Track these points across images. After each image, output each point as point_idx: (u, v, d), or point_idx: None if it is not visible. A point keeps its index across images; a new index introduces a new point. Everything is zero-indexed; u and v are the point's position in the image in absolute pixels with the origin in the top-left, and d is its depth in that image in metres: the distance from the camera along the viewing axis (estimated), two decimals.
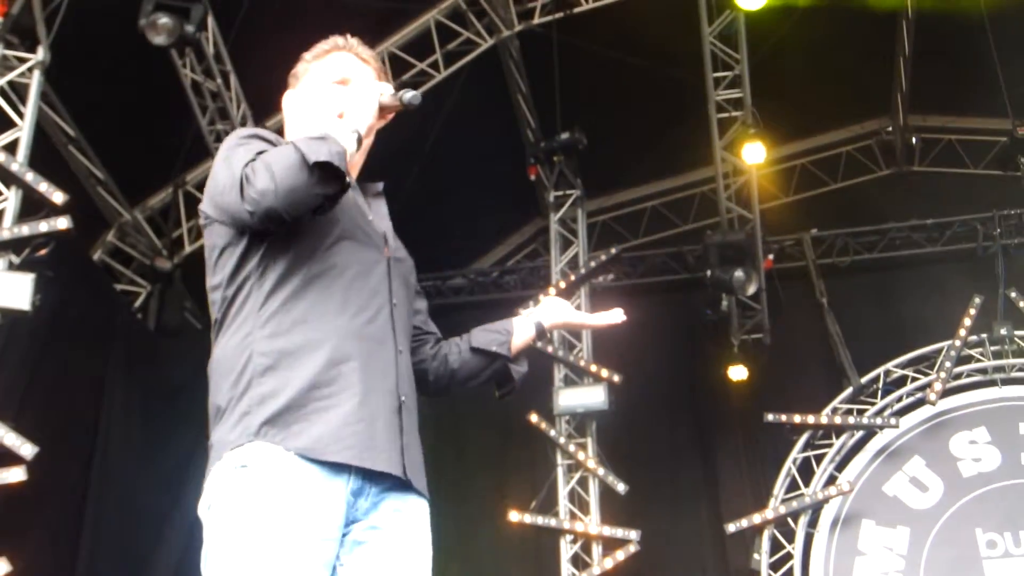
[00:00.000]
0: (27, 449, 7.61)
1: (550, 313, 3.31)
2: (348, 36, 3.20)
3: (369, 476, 2.71)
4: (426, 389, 3.14)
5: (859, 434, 12.18)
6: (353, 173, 3.03)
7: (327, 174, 2.67)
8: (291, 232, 2.80)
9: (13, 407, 8.58)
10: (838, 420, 12.09)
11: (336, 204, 2.77)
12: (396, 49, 11.39)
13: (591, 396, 11.45)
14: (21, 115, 8.43)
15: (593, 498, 11.37)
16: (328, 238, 2.86)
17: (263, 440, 2.65)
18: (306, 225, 2.81)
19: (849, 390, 12.34)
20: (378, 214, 3.09)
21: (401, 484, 2.78)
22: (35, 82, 8.54)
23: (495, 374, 3.27)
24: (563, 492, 11.46)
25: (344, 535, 2.70)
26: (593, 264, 12.15)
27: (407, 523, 2.80)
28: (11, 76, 8.49)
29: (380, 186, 3.19)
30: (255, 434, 2.66)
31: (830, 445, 12.16)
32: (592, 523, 11.26)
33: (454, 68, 11.52)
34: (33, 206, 8.16)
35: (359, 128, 2.84)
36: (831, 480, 12.01)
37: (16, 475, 7.56)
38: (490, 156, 12.36)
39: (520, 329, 3.25)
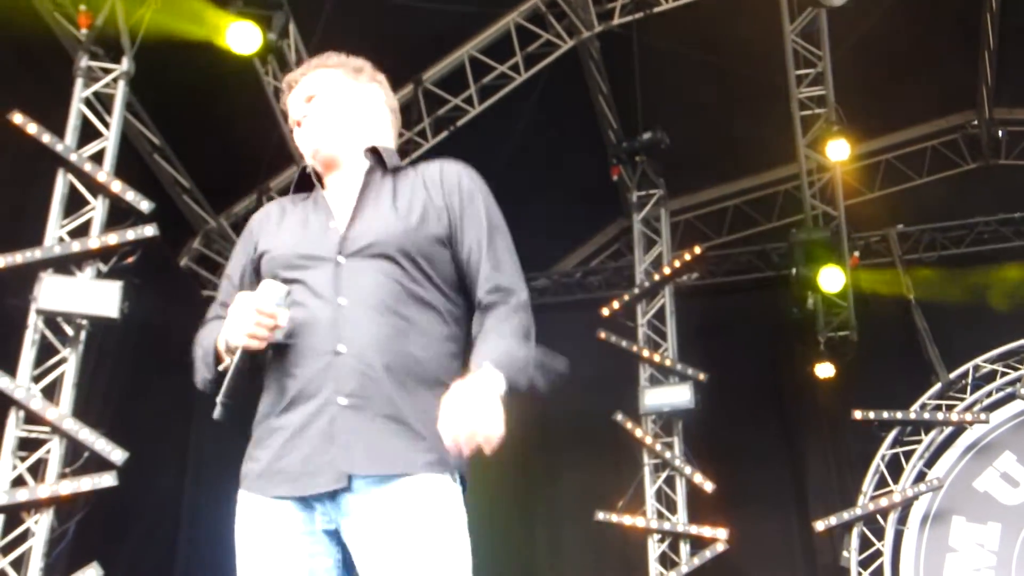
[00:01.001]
0: (117, 455, 7.54)
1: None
2: (289, 75, 3.26)
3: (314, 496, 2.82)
4: None
5: (948, 430, 12.01)
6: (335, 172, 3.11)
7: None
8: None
9: (105, 414, 8.61)
10: (927, 416, 11.92)
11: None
12: (476, 52, 11.35)
13: (677, 395, 11.31)
14: (107, 125, 8.39)
15: (680, 497, 11.23)
16: None
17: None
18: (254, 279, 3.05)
19: (938, 386, 12.18)
20: (361, 222, 3.02)
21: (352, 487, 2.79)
22: (120, 92, 8.51)
23: None
24: (650, 491, 11.33)
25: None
26: (677, 263, 11.97)
27: (368, 523, 2.77)
28: (96, 87, 8.47)
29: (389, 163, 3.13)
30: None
31: (919, 441, 11.98)
32: (680, 522, 11.12)
33: (535, 70, 11.45)
34: (120, 215, 8.14)
35: (223, 335, 2.87)
36: (920, 477, 11.86)
37: (107, 480, 7.47)
38: (572, 157, 12.33)
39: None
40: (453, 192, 3.04)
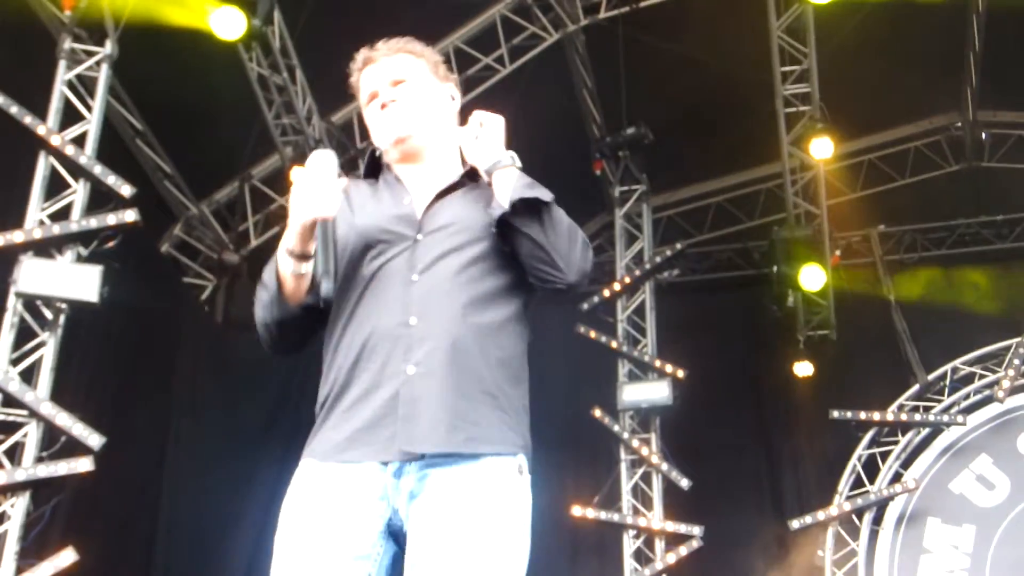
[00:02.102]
0: (95, 439, 7.65)
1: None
2: (376, 45, 3.25)
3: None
4: None
5: (925, 431, 12.17)
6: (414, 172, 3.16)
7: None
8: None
9: (83, 398, 8.69)
10: (904, 417, 12.08)
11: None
12: (461, 44, 11.38)
13: (655, 391, 11.46)
14: (89, 108, 8.48)
15: (656, 493, 11.37)
16: (348, 262, 3.03)
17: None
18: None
19: (916, 387, 12.32)
20: (442, 204, 3.10)
21: (425, 456, 2.83)
22: (103, 76, 8.59)
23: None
24: (626, 487, 11.47)
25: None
26: (658, 259, 12.15)
27: (426, 504, 2.81)
28: (79, 70, 8.54)
29: (452, 181, 3.16)
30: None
31: (896, 442, 12.14)
32: (655, 518, 11.26)
33: (519, 63, 11.51)
34: (101, 199, 8.21)
35: (287, 245, 2.92)
36: (896, 478, 12.01)
37: (84, 465, 7.57)
38: (554, 151, 12.24)
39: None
40: None
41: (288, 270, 2.92)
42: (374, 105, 3.18)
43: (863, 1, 10.85)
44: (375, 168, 3.22)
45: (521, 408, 2.95)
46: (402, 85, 3.16)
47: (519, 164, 3.00)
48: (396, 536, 2.84)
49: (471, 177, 3.14)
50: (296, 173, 2.94)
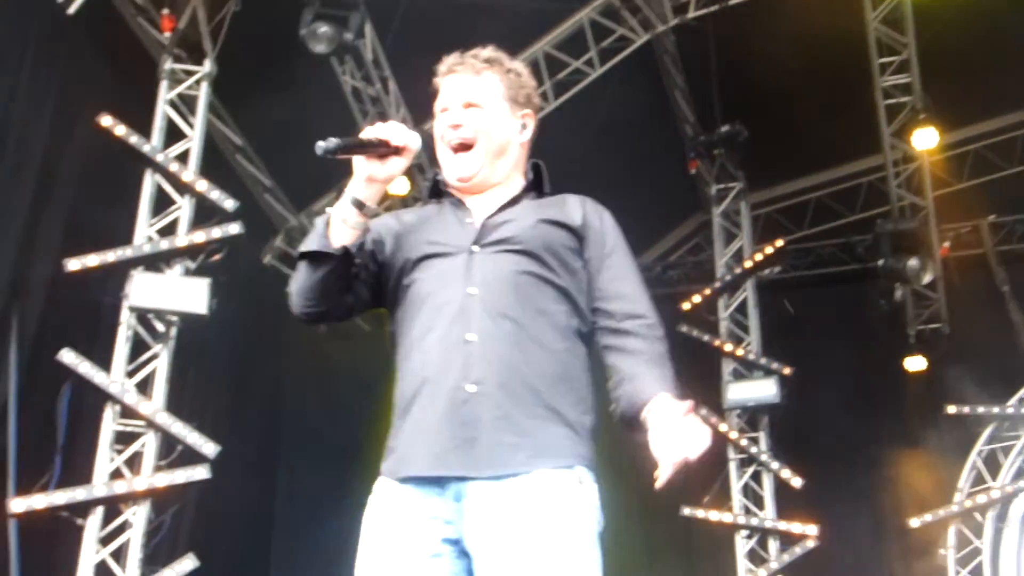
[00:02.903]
0: (210, 448, 8.00)
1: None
2: (466, 54, 3.38)
3: (439, 481, 2.92)
4: None
5: None
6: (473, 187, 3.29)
7: (316, 257, 3.06)
8: (385, 290, 3.21)
9: (197, 408, 9.17)
10: None
11: (349, 267, 3.08)
12: (550, 48, 11.63)
13: (762, 389, 11.58)
14: (191, 126, 8.91)
15: (768, 493, 11.50)
16: (408, 277, 3.18)
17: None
18: (390, 277, 3.20)
19: None
20: (501, 217, 3.22)
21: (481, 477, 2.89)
22: (203, 94, 9.04)
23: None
24: (736, 487, 11.60)
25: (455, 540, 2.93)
26: (758, 257, 12.27)
27: (485, 519, 2.88)
28: (180, 89, 9.00)
29: (514, 193, 3.31)
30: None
31: (1017, 437, 11.98)
32: (767, 518, 11.37)
33: (609, 65, 11.72)
34: (205, 213, 8.61)
35: (353, 193, 3.07)
36: (1020, 473, 11.83)
37: (201, 473, 7.90)
38: (648, 152, 12.51)
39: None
40: (592, 214, 3.23)
41: (350, 223, 3.04)
42: (441, 121, 3.28)
43: None
44: (438, 191, 3.35)
45: (583, 425, 3.00)
46: (472, 110, 3.24)
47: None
48: (464, 554, 2.89)
49: (531, 191, 3.30)
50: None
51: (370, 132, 3.12)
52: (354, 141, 3.09)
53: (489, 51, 3.37)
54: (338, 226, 3.05)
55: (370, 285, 3.19)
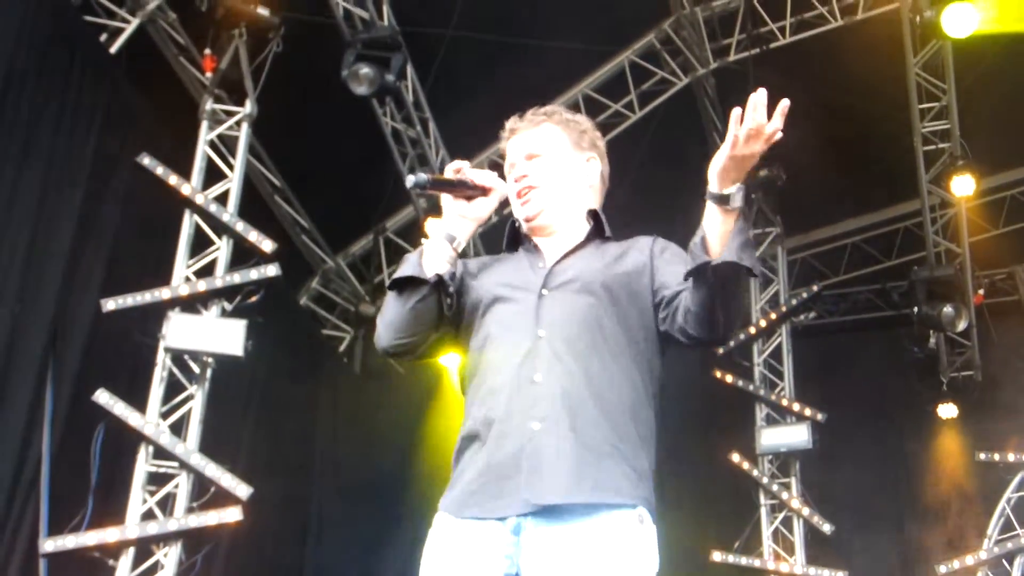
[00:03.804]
0: (243, 490, 7.87)
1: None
2: (524, 115, 3.43)
3: (501, 517, 2.89)
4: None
5: None
6: (544, 234, 3.33)
7: (408, 285, 3.09)
8: (458, 327, 3.21)
9: (231, 449, 9.06)
10: None
11: (441, 297, 3.09)
12: (590, 91, 11.67)
13: (794, 435, 11.50)
14: (231, 167, 8.83)
15: (798, 538, 11.43)
16: (480, 319, 3.19)
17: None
18: (464, 318, 3.20)
19: None
20: (577, 257, 3.24)
21: (545, 511, 2.86)
22: (243, 134, 8.94)
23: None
24: (767, 532, 11.55)
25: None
26: (794, 302, 12.24)
27: (543, 554, 2.85)
28: (221, 129, 8.91)
29: (580, 239, 3.31)
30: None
31: None
32: (797, 564, 11.30)
33: (649, 108, 11.75)
34: (243, 254, 8.52)
35: (445, 228, 3.16)
36: None
37: (233, 515, 7.78)
38: (687, 195, 12.31)
39: (708, 220, 2.94)
40: (656, 248, 3.21)
41: (442, 256, 3.10)
42: (511, 176, 3.35)
43: (1002, 33, 10.80)
44: (516, 238, 3.40)
45: (643, 466, 2.98)
46: (536, 160, 3.33)
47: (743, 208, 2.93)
48: None
49: (597, 235, 3.31)
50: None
51: (461, 172, 3.20)
52: (442, 179, 3.21)
53: (547, 108, 3.47)
54: (431, 257, 3.12)
55: (456, 324, 3.20)
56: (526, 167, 3.33)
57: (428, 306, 3.08)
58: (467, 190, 3.18)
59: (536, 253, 3.29)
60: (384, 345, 3.16)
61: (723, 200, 2.87)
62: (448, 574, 2.90)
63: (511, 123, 3.41)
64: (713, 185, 2.87)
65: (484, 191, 3.19)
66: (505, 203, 3.37)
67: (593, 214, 3.34)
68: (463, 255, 3.25)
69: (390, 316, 3.12)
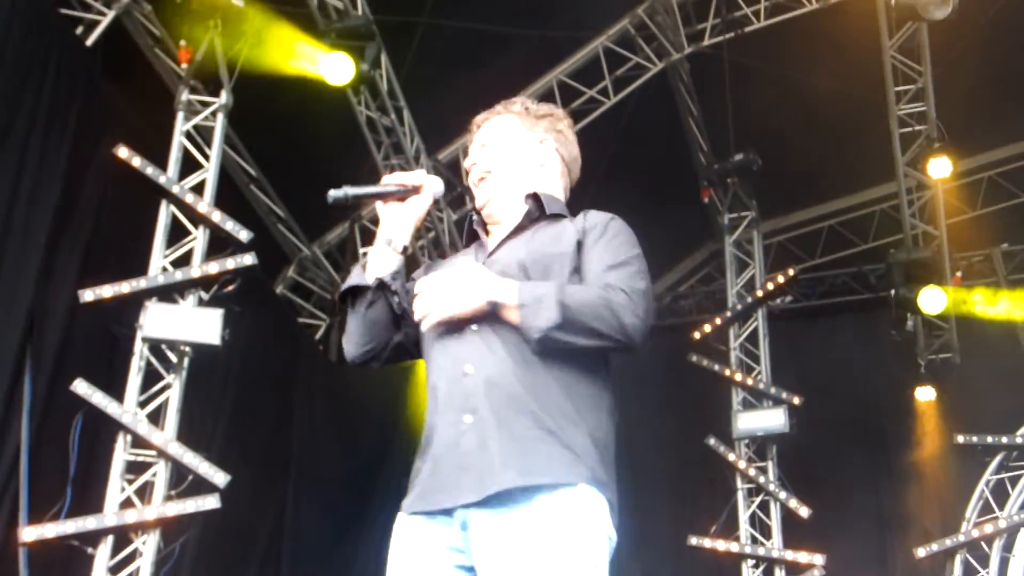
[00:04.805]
0: (220, 478, 8.05)
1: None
2: (480, 114, 3.54)
3: (448, 512, 2.97)
4: None
5: None
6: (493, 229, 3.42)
7: (355, 295, 3.26)
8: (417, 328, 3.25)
9: (208, 438, 9.26)
10: None
11: (388, 298, 3.23)
12: (565, 77, 11.82)
13: (771, 419, 11.63)
14: (207, 157, 8.97)
15: (775, 522, 11.54)
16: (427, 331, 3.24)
17: None
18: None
19: None
20: (507, 246, 3.30)
21: (486, 503, 2.90)
22: (219, 125, 9.09)
23: None
24: (744, 516, 11.66)
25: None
26: (770, 286, 12.32)
27: (488, 547, 2.91)
28: (196, 120, 9.06)
29: (517, 222, 3.36)
30: None
31: None
32: (775, 547, 11.43)
33: (624, 94, 11.90)
34: (220, 244, 8.66)
35: (382, 233, 3.29)
36: None
37: (211, 503, 7.95)
38: (660, 181, 12.62)
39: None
40: (594, 225, 3.20)
41: (383, 260, 3.23)
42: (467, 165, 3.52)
43: (978, 18, 10.83)
44: (474, 235, 3.47)
45: (582, 443, 2.95)
46: (487, 147, 3.43)
47: (506, 294, 2.98)
48: None
49: (537, 217, 3.32)
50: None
51: (387, 179, 3.32)
52: (365, 191, 3.29)
53: (514, 99, 3.56)
54: (373, 263, 3.25)
55: (415, 325, 3.24)
56: (478, 155, 3.44)
57: (378, 311, 3.23)
58: (396, 195, 3.27)
59: (482, 247, 3.38)
60: (351, 358, 3.30)
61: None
62: (402, 571, 3.00)
63: (475, 120, 3.53)
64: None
65: (415, 190, 3.29)
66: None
67: (533, 196, 3.34)
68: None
69: (349, 328, 3.27)
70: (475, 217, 3.48)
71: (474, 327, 3.06)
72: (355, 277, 3.27)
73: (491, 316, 3.03)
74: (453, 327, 3.07)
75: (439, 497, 2.96)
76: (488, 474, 2.88)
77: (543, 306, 2.92)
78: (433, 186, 3.33)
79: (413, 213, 3.31)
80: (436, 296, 3.01)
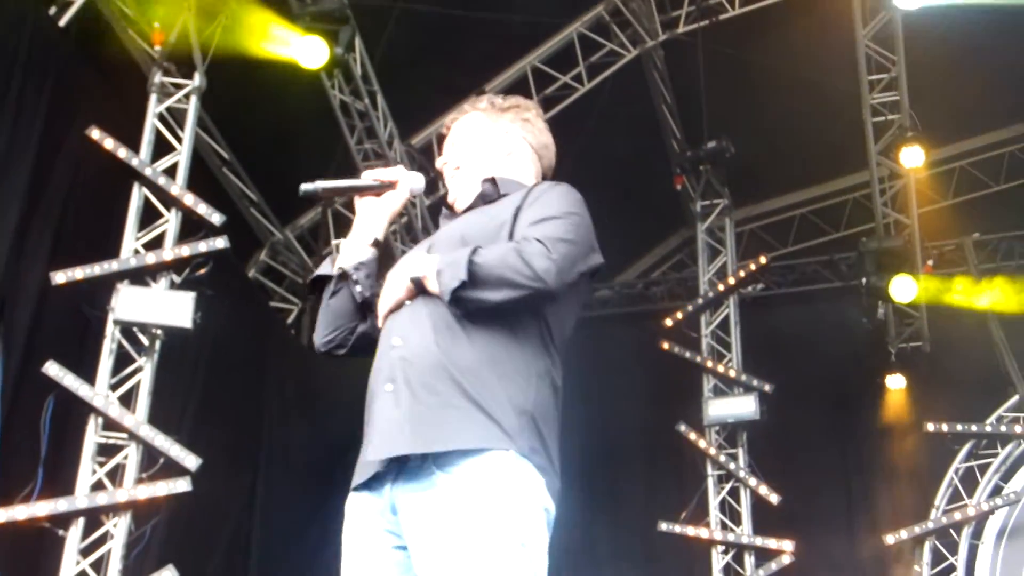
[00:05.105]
0: (191, 461, 8.12)
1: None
2: (450, 115, 3.62)
3: (379, 491, 3.02)
4: None
5: None
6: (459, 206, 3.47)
7: (321, 284, 3.38)
8: None
9: (177, 421, 9.31)
10: (1004, 429, 12.07)
11: (351, 287, 3.29)
12: (539, 63, 11.89)
13: (742, 406, 11.73)
14: (179, 139, 9.04)
15: (745, 509, 11.63)
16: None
17: None
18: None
19: (1015, 398, 12.33)
20: (453, 223, 3.37)
21: (412, 469, 2.94)
22: (192, 107, 9.16)
23: None
24: (714, 503, 11.75)
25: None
26: (742, 274, 12.41)
27: (411, 527, 2.95)
28: (169, 102, 9.12)
29: (470, 201, 3.42)
30: None
31: (995, 455, 12.22)
32: (744, 534, 11.53)
33: (598, 80, 11.97)
34: (192, 227, 8.73)
35: (356, 224, 3.36)
36: (997, 491, 12.07)
37: (182, 485, 8.03)
38: (634, 167, 12.71)
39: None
40: (533, 191, 3.25)
41: (357, 251, 3.30)
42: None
43: (951, 6, 10.89)
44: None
45: (510, 406, 2.93)
46: (453, 147, 3.51)
47: (425, 268, 3.06)
48: None
49: (490, 198, 3.35)
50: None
51: (367, 174, 3.38)
52: (338, 185, 3.35)
53: (484, 96, 3.62)
54: (344, 253, 3.33)
55: None
56: (448, 153, 3.52)
57: (341, 300, 3.31)
58: (370, 190, 3.34)
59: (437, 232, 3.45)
60: (316, 347, 3.39)
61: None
62: (349, 553, 3.08)
63: (447, 120, 3.61)
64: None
65: (391, 185, 3.34)
66: None
67: (491, 180, 3.37)
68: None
69: (318, 317, 3.37)
70: (445, 209, 3.54)
71: (407, 303, 3.11)
72: (322, 268, 3.38)
73: (422, 293, 3.08)
74: (393, 309, 3.14)
75: (364, 468, 3.02)
76: (390, 440, 2.91)
77: (454, 269, 2.95)
78: (411, 182, 3.38)
79: (388, 208, 3.37)
80: (383, 294, 3.13)
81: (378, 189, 3.33)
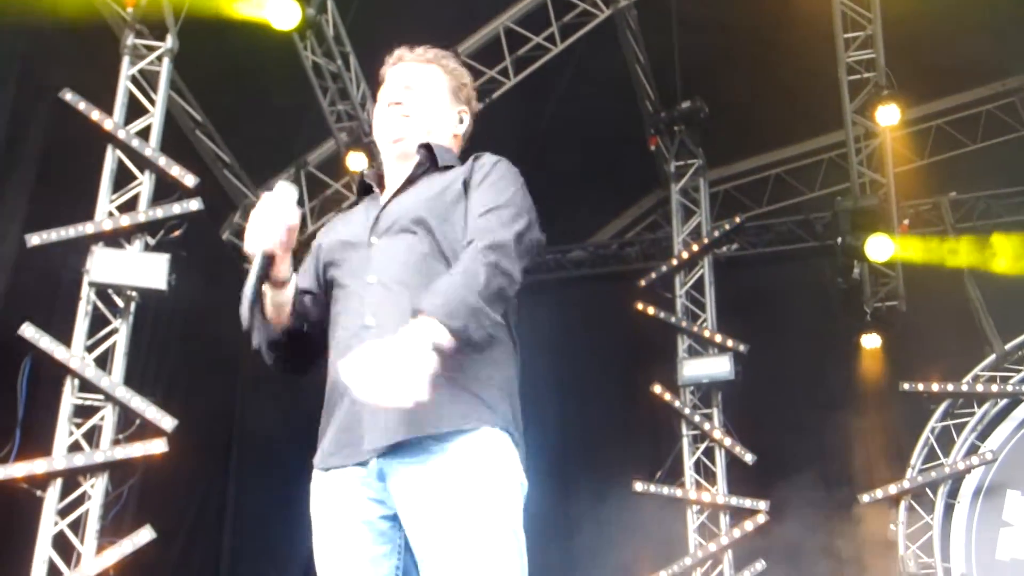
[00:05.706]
0: (167, 422, 8.39)
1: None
2: (415, 47, 3.65)
3: (363, 463, 3.13)
4: None
5: (1003, 403, 12.29)
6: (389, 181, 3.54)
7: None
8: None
9: (152, 382, 9.57)
10: (980, 388, 12.21)
11: (262, 297, 3.31)
12: (511, 23, 11.95)
13: (717, 366, 11.97)
14: (152, 102, 9.25)
15: (720, 468, 11.86)
16: (327, 278, 3.43)
17: None
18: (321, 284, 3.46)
19: (992, 357, 12.44)
20: (399, 199, 3.41)
21: (398, 452, 3.05)
22: (165, 70, 9.37)
23: None
24: (689, 463, 12.00)
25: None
26: (716, 234, 12.65)
27: (402, 496, 3.07)
28: (142, 64, 9.33)
29: (411, 169, 3.48)
30: None
31: (972, 414, 12.31)
32: (719, 493, 11.76)
33: (571, 40, 12.00)
34: (166, 189, 8.95)
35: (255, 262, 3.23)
36: (973, 450, 12.17)
37: (158, 447, 8.29)
38: (608, 128, 12.78)
39: None
40: (481, 167, 3.34)
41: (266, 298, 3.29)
42: (382, 101, 3.55)
43: None
44: (365, 189, 3.61)
45: (488, 387, 3.09)
46: (411, 91, 3.52)
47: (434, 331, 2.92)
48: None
49: (430, 166, 3.45)
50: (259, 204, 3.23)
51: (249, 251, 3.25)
52: (255, 286, 3.23)
53: (438, 50, 3.67)
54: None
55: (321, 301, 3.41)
56: (403, 95, 3.51)
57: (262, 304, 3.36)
58: (268, 269, 3.22)
59: (374, 200, 3.50)
60: (267, 361, 3.53)
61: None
62: (324, 529, 3.16)
63: (399, 52, 3.61)
64: None
65: (271, 257, 3.21)
66: None
67: (426, 146, 3.46)
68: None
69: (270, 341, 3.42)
70: (367, 172, 3.62)
71: (371, 279, 3.23)
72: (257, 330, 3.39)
73: (384, 267, 3.21)
74: (354, 282, 3.26)
75: (351, 451, 3.11)
76: (383, 428, 3.03)
77: (464, 310, 2.95)
78: (275, 240, 3.20)
79: (281, 274, 3.28)
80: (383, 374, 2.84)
81: (268, 264, 3.22)
